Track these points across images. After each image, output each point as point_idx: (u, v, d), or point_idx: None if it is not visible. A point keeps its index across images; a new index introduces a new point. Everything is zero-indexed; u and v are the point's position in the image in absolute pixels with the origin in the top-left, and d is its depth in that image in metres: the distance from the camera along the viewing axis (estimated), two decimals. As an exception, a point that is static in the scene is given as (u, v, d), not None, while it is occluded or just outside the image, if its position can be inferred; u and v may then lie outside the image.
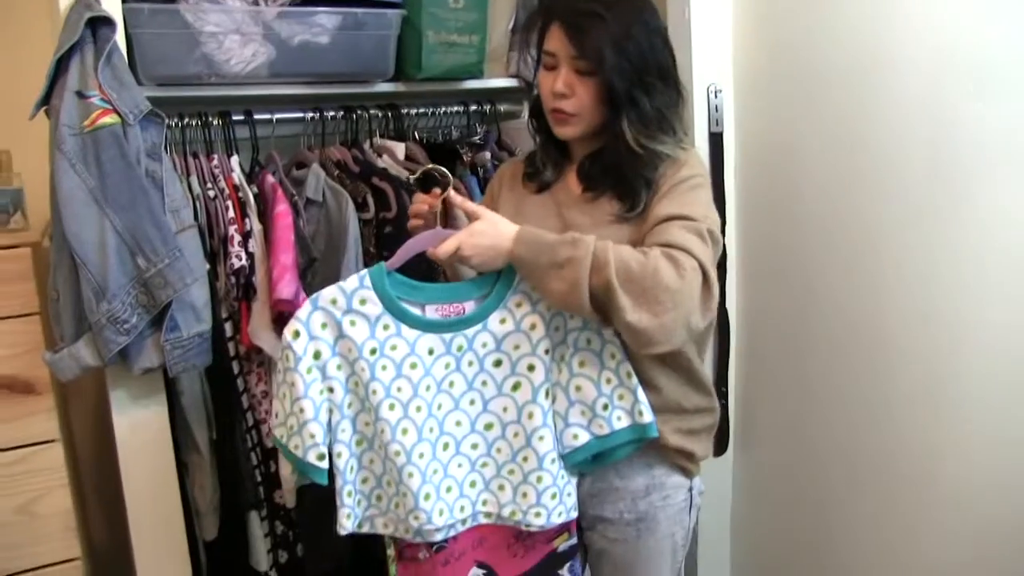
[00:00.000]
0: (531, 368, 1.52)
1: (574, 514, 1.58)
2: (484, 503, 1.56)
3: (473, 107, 2.26)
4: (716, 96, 2.17)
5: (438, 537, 1.54)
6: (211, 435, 1.91)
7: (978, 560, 1.81)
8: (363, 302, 1.47)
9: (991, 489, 1.77)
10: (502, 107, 2.30)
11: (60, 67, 1.62)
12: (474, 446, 1.55)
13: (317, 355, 1.47)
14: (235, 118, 1.99)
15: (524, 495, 1.54)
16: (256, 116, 2.00)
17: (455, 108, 2.24)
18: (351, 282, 1.48)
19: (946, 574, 1.87)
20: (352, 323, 1.47)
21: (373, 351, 1.47)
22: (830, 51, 1.97)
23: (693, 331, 1.38)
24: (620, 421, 1.52)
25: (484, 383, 1.53)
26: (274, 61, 1.94)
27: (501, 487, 1.56)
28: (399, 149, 2.09)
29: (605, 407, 1.52)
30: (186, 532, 1.87)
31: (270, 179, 1.94)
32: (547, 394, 1.53)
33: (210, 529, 1.95)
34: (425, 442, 1.50)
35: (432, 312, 1.51)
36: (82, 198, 1.60)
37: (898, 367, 1.91)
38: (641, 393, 1.52)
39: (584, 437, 1.53)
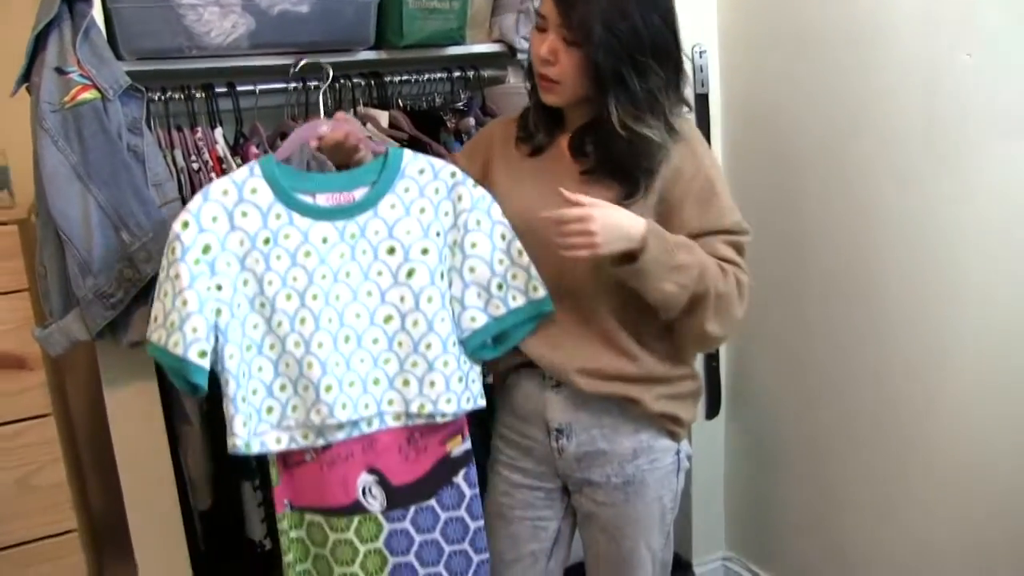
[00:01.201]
0: (424, 251, 1.55)
1: (481, 402, 1.61)
2: (390, 403, 1.56)
3: (456, 73, 2.25)
4: (700, 56, 2.18)
5: (340, 436, 1.52)
6: (202, 406, 1.93)
7: (978, 517, 1.82)
8: (254, 191, 1.49)
9: (989, 444, 1.79)
10: (485, 72, 2.29)
11: (39, 44, 1.63)
12: (375, 341, 1.55)
13: (206, 249, 1.45)
14: (218, 90, 1.99)
15: (432, 384, 1.55)
16: (239, 88, 2.01)
17: (438, 75, 2.23)
18: (241, 172, 1.49)
19: (943, 529, 1.89)
20: (244, 214, 1.48)
21: (267, 241, 1.49)
22: (816, 6, 1.97)
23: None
24: (515, 300, 1.56)
25: (379, 273, 1.55)
26: (254, 32, 1.93)
27: (406, 382, 1.56)
28: (383, 117, 2.09)
29: (500, 287, 1.56)
30: (180, 502, 1.90)
31: (254, 150, 1.95)
32: (442, 276, 1.56)
33: (204, 499, 1.98)
34: (324, 332, 1.50)
35: (323, 200, 1.53)
36: (65, 174, 1.62)
37: (895, 324, 1.92)
38: (534, 270, 1.56)
39: (482, 319, 1.57)
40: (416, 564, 1.60)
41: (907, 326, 1.89)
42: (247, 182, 1.49)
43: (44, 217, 1.65)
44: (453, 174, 1.59)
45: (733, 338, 2.36)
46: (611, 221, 1.42)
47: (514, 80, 2.34)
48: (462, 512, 1.64)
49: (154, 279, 1.64)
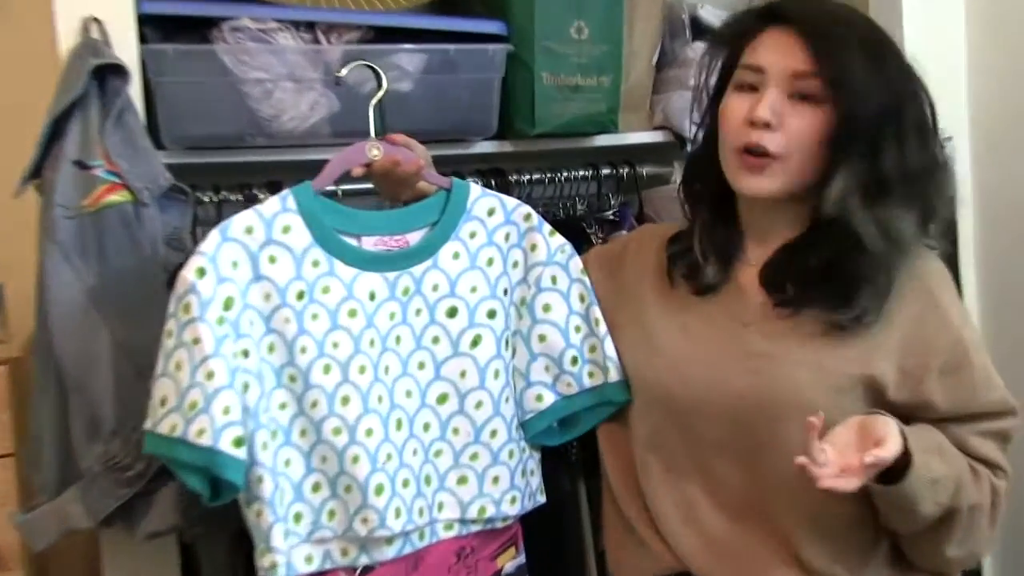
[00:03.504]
0: (492, 315, 1.60)
1: (541, 498, 1.67)
2: (441, 507, 1.58)
3: (605, 171, 2.24)
4: (945, 147, 2.06)
5: (389, 553, 1.53)
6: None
7: None
8: (287, 230, 1.49)
9: None
10: (644, 170, 2.28)
11: (56, 130, 1.66)
12: (426, 427, 1.57)
13: (228, 303, 1.44)
14: (289, 191, 2.01)
15: (495, 480, 1.60)
16: (317, 188, 1.99)
17: (581, 173, 2.23)
18: (271, 204, 1.50)
19: None
20: (272, 259, 1.48)
21: (300, 295, 1.49)
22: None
23: None
24: (592, 378, 1.61)
25: (436, 339, 1.57)
26: (338, 115, 1.94)
27: (462, 480, 1.59)
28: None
29: (574, 361, 1.61)
30: None
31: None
32: (507, 344, 1.62)
33: None
34: (373, 415, 1.50)
35: (371, 244, 1.56)
36: (78, 300, 1.63)
37: None
38: (610, 345, 1.61)
39: (549, 398, 1.62)
40: None
41: None
42: (278, 218, 1.50)
43: (44, 356, 1.66)
44: (527, 216, 1.64)
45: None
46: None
47: (683, 180, 2.33)
48: None
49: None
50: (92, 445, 1.61)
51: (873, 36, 1.46)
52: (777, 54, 1.45)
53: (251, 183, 1.96)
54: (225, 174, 1.96)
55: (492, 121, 2.07)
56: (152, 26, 1.82)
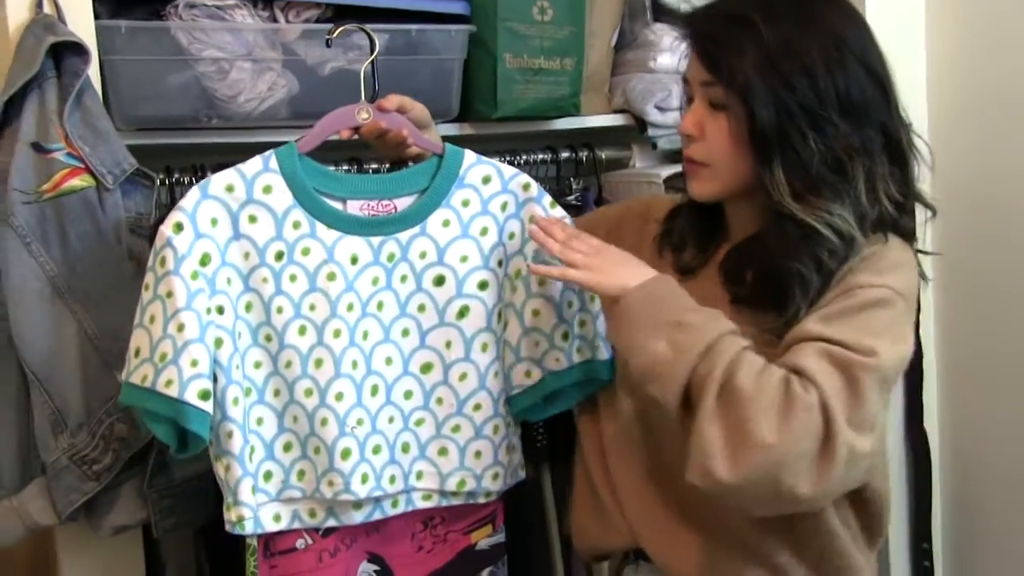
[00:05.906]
0: (483, 286, 1.62)
1: (522, 473, 1.70)
2: (419, 476, 1.61)
3: (565, 154, 2.27)
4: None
5: (358, 518, 1.58)
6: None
7: None
8: (267, 190, 1.54)
9: None
10: (604, 153, 2.31)
11: (10, 112, 1.65)
12: (407, 394, 1.60)
13: (205, 259, 1.49)
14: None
15: (478, 455, 1.63)
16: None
17: (541, 156, 2.25)
18: (253, 164, 1.55)
19: None
20: (252, 219, 1.53)
21: (279, 255, 1.54)
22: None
23: (791, 501, 1.35)
24: (580, 354, 1.63)
25: (422, 307, 1.60)
26: (297, 97, 1.96)
27: (443, 451, 1.62)
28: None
29: (565, 336, 1.62)
30: None
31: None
32: (500, 317, 1.63)
33: None
34: (346, 379, 1.54)
35: (356, 208, 1.59)
36: (39, 289, 1.64)
37: None
38: (601, 323, 1.62)
39: (537, 374, 1.63)
40: None
41: None
42: (259, 178, 1.54)
43: (3, 347, 1.66)
44: (526, 186, 1.65)
45: (953, 529, 2.28)
46: (606, 262, 1.48)
47: (641, 164, 2.37)
48: None
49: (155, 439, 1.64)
50: (58, 438, 1.63)
51: (786, 28, 1.44)
52: (692, 65, 1.52)
53: (204, 164, 1.96)
54: (178, 156, 1.96)
55: (453, 103, 2.09)
56: (101, 0, 1.80)
